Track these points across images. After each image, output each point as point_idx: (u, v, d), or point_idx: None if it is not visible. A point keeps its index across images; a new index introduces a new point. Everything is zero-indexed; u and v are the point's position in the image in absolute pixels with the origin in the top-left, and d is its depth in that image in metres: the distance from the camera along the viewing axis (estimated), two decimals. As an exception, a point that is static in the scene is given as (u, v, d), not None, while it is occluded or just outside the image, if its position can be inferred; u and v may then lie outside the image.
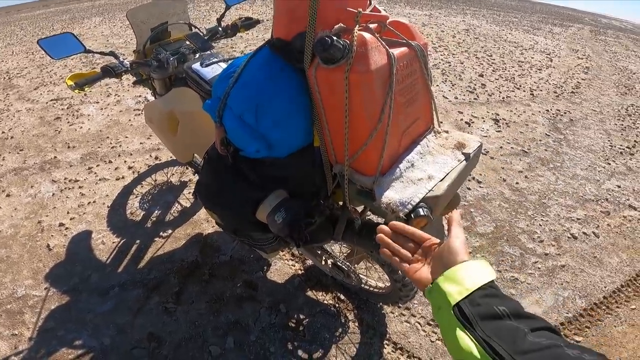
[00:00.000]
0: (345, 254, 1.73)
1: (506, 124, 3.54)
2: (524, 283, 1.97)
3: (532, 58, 5.60)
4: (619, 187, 2.81)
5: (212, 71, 1.48)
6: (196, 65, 1.50)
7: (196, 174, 2.49)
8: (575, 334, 1.77)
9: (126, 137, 2.99)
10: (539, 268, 2.06)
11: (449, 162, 1.02)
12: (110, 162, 2.70)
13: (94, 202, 2.35)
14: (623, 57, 6.41)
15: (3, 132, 3.21)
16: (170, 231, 2.14)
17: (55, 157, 2.79)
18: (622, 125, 3.88)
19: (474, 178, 2.69)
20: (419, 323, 1.75)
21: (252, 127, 0.95)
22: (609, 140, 3.52)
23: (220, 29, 1.75)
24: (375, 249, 1.09)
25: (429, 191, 0.93)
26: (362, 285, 1.70)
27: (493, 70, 4.88)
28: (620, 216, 2.50)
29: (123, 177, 2.54)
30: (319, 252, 1.66)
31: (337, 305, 1.80)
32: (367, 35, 0.85)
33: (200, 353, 1.61)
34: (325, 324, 1.72)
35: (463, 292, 0.52)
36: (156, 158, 2.72)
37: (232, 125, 0.97)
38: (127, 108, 3.46)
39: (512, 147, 3.15)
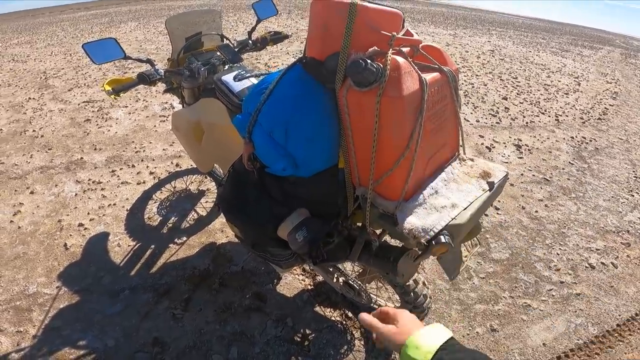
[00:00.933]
0: (357, 272, 1.72)
1: (529, 150, 3.48)
2: (536, 309, 1.92)
3: (559, 81, 5.50)
4: (641, 220, 2.71)
5: (241, 84, 1.51)
6: (226, 77, 1.53)
7: (214, 184, 2.54)
8: (587, 359, 1.71)
9: (150, 142, 3.09)
10: (553, 295, 2.00)
11: (473, 190, 1.01)
12: (133, 166, 2.78)
13: (114, 204, 2.42)
14: (655, 83, 6.24)
15: (34, 131, 3.36)
16: (185, 238, 2.18)
17: (81, 158, 2.90)
18: (651, 156, 3.76)
19: (492, 204, 2.64)
20: (427, 348, 1.72)
21: (280, 145, 0.96)
22: (633, 171, 3.41)
23: (250, 41, 1.80)
24: (391, 270, 1.09)
25: (452, 219, 0.92)
26: (372, 305, 1.69)
27: (517, 94, 4.82)
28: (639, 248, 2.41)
29: (144, 182, 2.61)
30: (331, 269, 1.66)
31: (344, 322, 1.79)
32: (400, 59, 0.85)
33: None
34: (331, 340, 1.71)
35: (427, 355, 0.57)
36: (177, 165, 2.79)
37: (261, 141, 0.98)
38: (154, 114, 3.58)
39: (533, 175, 3.08)
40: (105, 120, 3.48)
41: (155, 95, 4.02)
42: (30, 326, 1.75)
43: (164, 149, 3.00)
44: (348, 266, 1.84)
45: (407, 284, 1.36)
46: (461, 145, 1.12)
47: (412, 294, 1.37)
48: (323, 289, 1.93)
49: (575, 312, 1.94)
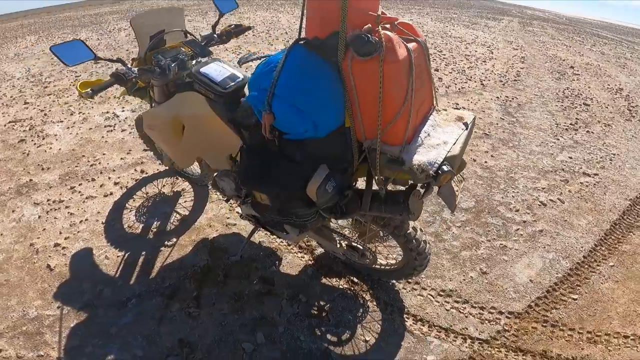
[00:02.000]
0: (356, 236, 1.84)
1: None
2: (512, 249, 2.22)
3: (476, 51, 6.09)
4: (570, 158, 3.20)
5: (220, 74, 1.55)
6: (205, 69, 1.55)
7: (188, 183, 2.51)
8: (571, 293, 2.02)
9: (104, 154, 2.91)
10: (521, 235, 2.33)
11: (455, 131, 1.25)
12: (93, 179, 2.62)
13: (86, 220, 2.29)
14: (551, 45, 7.15)
15: (-38, 161, 2.98)
16: (174, 239, 2.15)
17: (30, 179, 2.65)
18: (563, 105, 4.38)
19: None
20: (431, 295, 1.92)
21: (301, 110, 1.09)
22: (554, 120, 3.97)
23: (215, 35, 1.82)
24: (403, 211, 1.25)
25: (448, 152, 1.15)
26: (374, 265, 1.84)
27: (446, 65, 5.27)
28: (577, 183, 2.86)
29: (111, 193, 2.48)
30: (334, 236, 1.77)
31: (352, 288, 1.92)
32: (390, 33, 1.06)
33: (234, 352, 1.66)
34: (346, 306, 1.84)
35: None
36: (142, 172, 2.68)
37: (282, 111, 1.11)
38: (97, 125, 3.35)
39: (475, 131, 3.45)
40: (43, 138, 3.19)
41: (92, 107, 3.75)
42: (49, 349, 1.66)
43: (121, 158, 2.85)
44: (346, 232, 1.97)
45: (409, 231, 1.52)
46: (437, 101, 1.35)
47: (414, 240, 1.54)
48: (324, 262, 2.04)
49: (545, 248, 2.27)
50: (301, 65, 1.10)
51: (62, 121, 3.45)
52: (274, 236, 2.17)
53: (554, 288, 2.05)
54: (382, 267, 1.86)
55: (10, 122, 3.56)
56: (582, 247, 2.31)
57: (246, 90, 1.54)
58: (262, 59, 1.24)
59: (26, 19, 10.31)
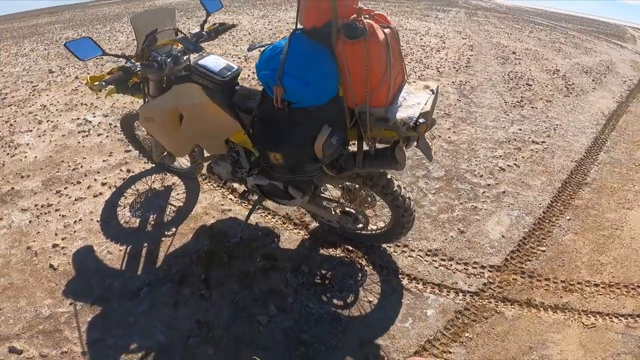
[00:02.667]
0: (347, 202, 2.01)
1: (426, 96, 4.19)
2: (482, 210, 2.51)
3: (430, 42, 6.50)
4: (520, 130, 3.59)
5: (217, 65, 1.71)
6: (202, 62, 1.70)
7: (177, 177, 2.60)
8: (539, 245, 2.31)
9: (84, 158, 2.91)
10: (488, 196, 2.63)
11: (425, 95, 1.55)
12: (78, 182, 2.63)
13: (80, 220, 2.32)
14: (494, 33, 7.75)
15: None
16: (174, 229, 2.24)
17: (12, 188, 2.61)
18: (509, 86, 4.82)
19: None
20: (420, 255, 2.16)
21: (306, 83, 1.33)
22: (502, 99, 4.38)
23: (204, 33, 1.95)
24: (391, 162, 1.51)
25: (422, 109, 1.44)
26: (366, 231, 2.05)
27: (405, 55, 5.60)
28: (528, 150, 3.24)
29: (101, 194, 2.51)
30: (326, 204, 1.96)
31: (349, 255, 2.12)
32: (370, 21, 1.33)
33: (251, 325, 1.78)
34: (346, 273, 2.03)
35: None
36: (128, 171, 2.72)
37: (292, 84, 1.34)
38: (70, 131, 3.31)
39: (437, 112, 3.77)
40: (15, 148, 3.11)
41: (60, 115, 3.68)
42: (72, 344, 1.70)
43: (104, 160, 2.86)
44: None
45: (395, 189, 1.75)
46: (407, 75, 1.64)
47: (400, 197, 1.77)
48: (319, 235, 2.22)
49: (509, 206, 2.58)
50: (303, 48, 1.35)
51: (31, 130, 3.38)
52: (271, 215, 2.33)
53: (523, 242, 2.33)
54: (373, 231, 2.07)
55: (-28, 135, 3.43)
56: (540, 204, 2.64)
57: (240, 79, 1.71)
58: (267, 46, 1.43)
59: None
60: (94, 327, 1.78)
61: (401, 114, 1.42)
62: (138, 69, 1.64)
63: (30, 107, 3.90)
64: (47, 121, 3.54)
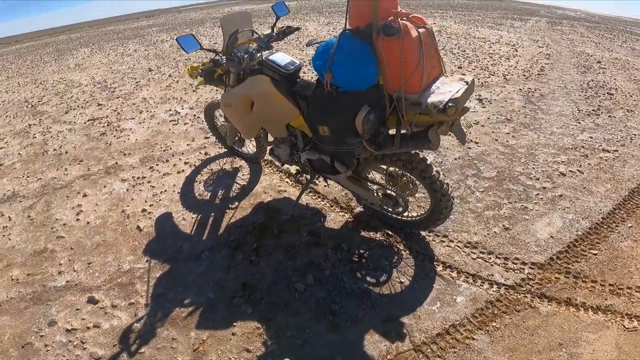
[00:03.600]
0: (389, 185, 2.18)
1: (489, 101, 4.15)
2: (533, 210, 2.50)
3: (500, 50, 6.33)
4: (591, 137, 3.42)
5: (283, 60, 2.03)
6: (272, 57, 2.04)
7: (244, 161, 2.98)
8: (591, 249, 2.25)
9: (173, 141, 3.45)
10: (541, 198, 2.60)
11: (458, 85, 1.70)
12: (167, 161, 3.14)
13: (165, 191, 2.78)
14: (579, 42, 7.24)
15: (55, 150, 3.60)
16: (236, 203, 2.60)
17: (116, 162, 3.21)
18: (586, 95, 4.54)
19: (471, 141, 3.25)
20: (458, 246, 2.24)
21: (351, 71, 1.62)
22: (576, 107, 4.16)
23: (274, 34, 2.29)
24: (425, 142, 1.69)
25: (453, 95, 1.60)
26: (405, 216, 2.19)
27: (469, 63, 5.55)
28: (597, 157, 3.09)
29: (183, 171, 2.99)
30: (370, 186, 2.17)
31: (387, 239, 2.28)
32: (406, 22, 1.58)
33: (288, 291, 2.02)
34: (382, 254, 2.19)
35: None
36: (206, 154, 3.18)
37: (339, 72, 1.63)
38: (163, 120, 3.92)
39: (497, 117, 3.74)
40: (121, 132, 3.78)
41: (156, 106, 4.34)
42: (139, 297, 2.05)
43: (187, 144, 3.37)
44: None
45: (433, 173, 1.89)
46: (444, 69, 1.82)
47: (438, 182, 1.90)
48: (362, 219, 2.41)
49: (564, 210, 2.53)
50: (349, 43, 1.63)
51: (133, 118, 4.05)
52: (320, 198, 2.58)
53: (574, 244, 2.27)
54: (413, 218, 2.21)
55: (89, 120, 4.22)
56: (600, 210, 2.53)
57: (301, 73, 2.02)
58: (322, 42, 1.73)
59: (72, 33, 11.60)
60: (160, 282, 2.12)
61: (432, 99, 1.62)
62: (223, 61, 2.02)
63: (133, 99, 4.65)
64: (146, 111, 4.21)
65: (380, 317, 1.88)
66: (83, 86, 5.61)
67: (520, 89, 4.59)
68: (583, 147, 3.27)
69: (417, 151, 1.92)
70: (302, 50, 6.28)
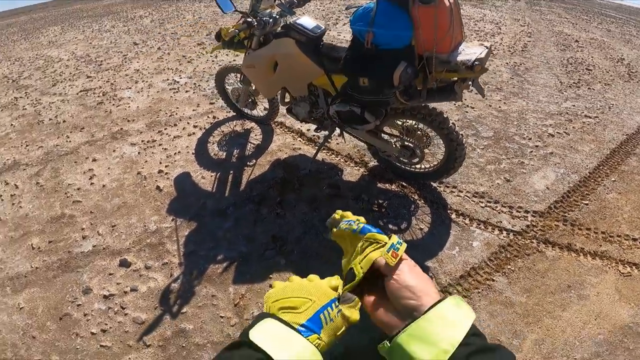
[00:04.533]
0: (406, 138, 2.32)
1: (480, 73, 4.35)
2: (529, 165, 2.72)
3: (485, 27, 6.55)
4: (573, 105, 3.68)
5: (310, 24, 2.16)
6: (300, 21, 2.15)
7: (254, 123, 3.04)
8: (582, 199, 2.48)
9: (177, 107, 3.44)
10: (535, 155, 2.82)
11: (480, 48, 1.88)
12: (175, 125, 3.15)
13: (179, 152, 2.82)
14: (557, 23, 7.58)
15: (51, 119, 3.52)
16: (254, 161, 2.67)
17: (121, 128, 3.19)
18: (567, 70, 4.83)
19: (467, 106, 3.44)
20: (468, 196, 2.42)
21: (390, 31, 1.76)
22: (558, 80, 4.43)
23: (295, 1, 2.36)
24: (451, 93, 1.86)
25: (478, 55, 1.78)
26: (420, 168, 2.35)
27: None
28: (580, 122, 3.35)
29: (194, 133, 3.01)
30: (388, 138, 2.31)
31: (402, 190, 2.43)
32: None
33: (317, 240, 2.13)
34: (400, 203, 2.35)
35: (440, 356, 0.39)
36: (214, 117, 3.21)
37: (380, 32, 1.78)
38: (163, 89, 3.88)
39: (488, 87, 3.94)
40: (119, 100, 3.73)
41: (151, 77, 4.28)
42: (171, 256, 2.08)
43: (193, 110, 3.38)
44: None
45: (450, 125, 2.06)
46: (464, 34, 1.96)
47: (454, 132, 2.07)
48: (376, 172, 2.55)
49: (556, 165, 2.75)
50: (388, 8, 1.78)
51: (130, 88, 3.99)
52: (334, 154, 2.68)
53: (567, 195, 2.51)
54: (426, 169, 2.37)
55: (81, 91, 4.11)
56: (587, 166, 2.78)
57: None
58: (360, 7, 1.84)
59: (34, 14, 11.02)
60: (190, 240, 2.16)
61: (461, 58, 1.80)
62: (255, 24, 2.09)
63: (125, 71, 4.55)
64: (142, 81, 4.15)
65: (406, 261, 2.03)
66: (65, 61, 5.39)
67: (507, 63, 4.82)
68: (567, 113, 3.52)
69: (434, 105, 2.09)
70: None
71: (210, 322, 1.78)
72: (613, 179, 2.69)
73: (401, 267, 0.51)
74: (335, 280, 0.53)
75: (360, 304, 0.51)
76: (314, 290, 0.50)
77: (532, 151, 2.87)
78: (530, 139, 3.01)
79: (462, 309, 0.44)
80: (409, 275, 0.50)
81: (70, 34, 7.20)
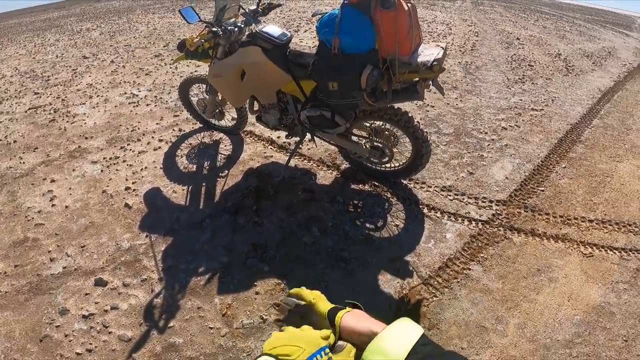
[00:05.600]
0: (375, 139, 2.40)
1: (435, 73, 4.57)
2: (487, 157, 2.90)
3: (437, 28, 6.87)
4: (521, 100, 3.97)
5: (276, 32, 2.19)
6: (265, 29, 2.17)
7: (223, 134, 3.01)
8: (538, 186, 2.67)
9: (139, 122, 3.33)
10: (492, 148, 3.02)
11: (436, 49, 2.02)
12: (138, 140, 3.05)
13: (146, 168, 2.73)
14: (500, 21, 8.10)
15: (0, 140, 3.28)
16: (226, 172, 2.65)
17: (79, 146, 3.04)
18: (512, 66, 5.18)
19: (427, 104, 3.61)
20: (436, 190, 2.55)
21: (354, 37, 1.83)
22: (505, 76, 4.75)
23: (259, 10, 2.38)
24: (414, 93, 1.97)
25: (436, 56, 1.90)
26: (389, 166, 2.44)
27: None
28: (528, 115, 3.62)
29: (160, 147, 2.93)
30: (358, 140, 2.38)
31: (375, 189, 2.51)
32: None
33: (298, 245, 2.16)
34: (374, 202, 2.42)
35: None
36: (180, 130, 3.14)
37: (345, 38, 1.83)
38: (121, 103, 3.73)
39: (445, 85, 4.15)
40: (73, 117, 3.54)
41: (107, 91, 4.11)
42: (150, 272, 2.02)
43: (157, 123, 3.28)
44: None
45: (414, 124, 2.17)
46: (422, 37, 2.08)
47: (419, 130, 2.18)
48: (349, 174, 2.62)
49: (511, 156, 2.96)
50: (352, 14, 1.85)
51: (84, 103, 3.80)
52: (307, 160, 2.72)
53: (525, 183, 2.70)
54: (396, 167, 2.47)
55: (29, 109, 3.87)
56: (538, 155, 3.02)
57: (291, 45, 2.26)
58: (325, 13, 1.90)
59: None
60: (167, 255, 2.11)
61: (421, 59, 1.92)
62: (220, 33, 2.08)
63: (76, 86, 4.33)
64: (97, 96, 3.97)
65: (386, 258, 2.10)
66: (8, 77, 5.04)
67: (459, 62, 5.10)
68: (516, 107, 3.79)
69: (399, 106, 2.19)
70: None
71: (199, 334, 1.76)
72: (563, 166, 2.93)
73: (345, 319, 0.64)
74: (326, 331, 0.61)
75: (354, 350, 0.60)
76: (306, 339, 0.58)
77: (489, 144, 3.06)
78: (486, 133, 3.21)
79: (409, 326, 0.56)
80: (355, 323, 0.63)
81: (10, 48, 6.74)
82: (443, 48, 2.01)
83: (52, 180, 2.70)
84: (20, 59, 5.89)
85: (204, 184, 2.56)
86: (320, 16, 1.99)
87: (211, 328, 1.78)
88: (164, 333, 1.76)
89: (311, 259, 2.09)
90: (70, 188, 2.62)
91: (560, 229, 2.37)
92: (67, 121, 3.48)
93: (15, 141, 3.24)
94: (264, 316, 1.82)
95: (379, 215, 2.34)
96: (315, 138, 2.44)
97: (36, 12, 12.07)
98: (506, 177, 2.72)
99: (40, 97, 4.14)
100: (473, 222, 2.35)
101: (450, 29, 6.91)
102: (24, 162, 2.93)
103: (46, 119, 3.56)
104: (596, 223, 2.43)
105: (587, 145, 3.25)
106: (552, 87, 4.52)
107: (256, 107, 2.51)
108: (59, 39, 7.08)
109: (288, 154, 2.75)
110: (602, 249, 2.25)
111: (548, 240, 2.29)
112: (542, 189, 2.67)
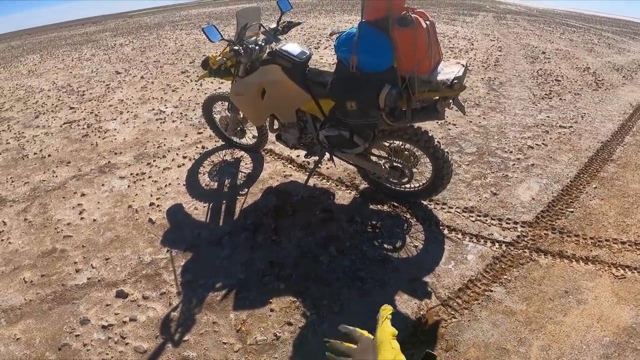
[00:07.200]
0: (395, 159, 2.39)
1: (458, 89, 4.53)
2: (512, 177, 2.83)
3: (459, 44, 6.83)
4: (548, 117, 3.86)
5: (296, 50, 2.21)
6: (285, 47, 2.21)
7: (244, 152, 3.07)
8: (567, 207, 2.58)
9: (165, 138, 3.45)
10: (517, 168, 2.94)
11: (457, 67, 2.00)
12: (164, 156, 3.15)
13: (170, 184, 2.81)
14: (524, 35, 7.96)
15: (35, 154, 3.47)
16: (246, 190, 2.69)
17: (109, 161, 3.17)
18: (538, 82, 5.07)
19: (449, 122, 3.57)
20: (457, 211, 2.49)
21: (372, 56, 1.83)
22: (531, 92, 4.65)
23: (279, 28, 2.43)
24: (434, 112, 1.94)
25: (456, 74, 1.88)
26: (409, 187, 2.42)
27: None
28: (556, 132, 3.51)
29: (184, 164, 3.02)
30: (377, 160, 2.38)
31: (395, 210, 2.49)
32: (416, 16, 1.81)
33: (315, 264, 2.15)
34: (393, 223, 2.40)
35: None
36: (203, 147, 3.23)
37: (363, 58, 1.83)
38: (149, 119, 3.89)
39: (467, 103, 4.10)
40: (105, 132, 3.71)
41: (136, 107, 4.28)
42: (169, 286, 2.07)
43: (181, 140, 3.39)
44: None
45: (435, 144, 2.15)
46: (442, 54, 2.08)
47: (440, 150, 2.15)
48: (367, 194, 2.61)
49: (538, 176, 2.87)
50: (370, 33, 1.85)
51: (115, 119, 3.98)
52: (325, 179, 2.73)
53: (553, 204, 2.61)
54: (416, 188, 2.44)
55: (64, 123, 4.08)
56: (567, 175, 2.91)
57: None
58: (343, 32, 1.92)
59: (12, 41, 10.89)
60: (187, 270, 2.15)
61: (440, 77, 1.91)
62: (242, 52, 2.14)
63: (109, 101, 4.54)
64: (127, 112, 4.14)
65: (405, 278, 2.07)
66: (46, 91, 5.36)
67: (482, 78, 5.03)
68: (543, 124, 3.69)
69: (419, 125, 2.17)
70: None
71: (213, 349, 1.77)
72: (594, 186, 2.81)
73: None
74: None
75: None
76: None
77: (514, 164, 2.99)
78: (511, 152, 3.14)
79: None
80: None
81: (49, 62, 7.17)
82: (464, 65, 2.00)
83: (82, 194, 2.82)
84: (58, 73, 6.24)
85: (224, 201, 2.61)
86: (338, 35, 2.01)
87: (225, 343, 1.79)
88: (179, 346, 1.79)
89: (327, 278, 2.08)
90: (98, 202, 2.72)
91: (591, 250, 2.26)
92: (99, 136, 3.64)
93: (49, 155, 3.41)
94: (277, 333, 1.82)
95: (398, 236, 2.32)
96: (334, 157, 2.45)
97: (74, 26, 12.79)
98: (532, 198, 2.64)
99: (75, 111, 4.37)
100: (496, 244, 2.29)
101: (472, 44, 6.85)
102: (56, 176, 3.08)
103: (79, 134, 3.74)
104: (629, 245, 2.31)
105: (619, 164, 3.11)
106: (581, 103, 4.38)
107: (276, 125, 2.55)
108: (95, 54, 7.46)
109: (307, 173, 2.78)
110: (635, 271, 2.13)
111: (577, 262, 2.19)
112: (572, 210, 2.57)
